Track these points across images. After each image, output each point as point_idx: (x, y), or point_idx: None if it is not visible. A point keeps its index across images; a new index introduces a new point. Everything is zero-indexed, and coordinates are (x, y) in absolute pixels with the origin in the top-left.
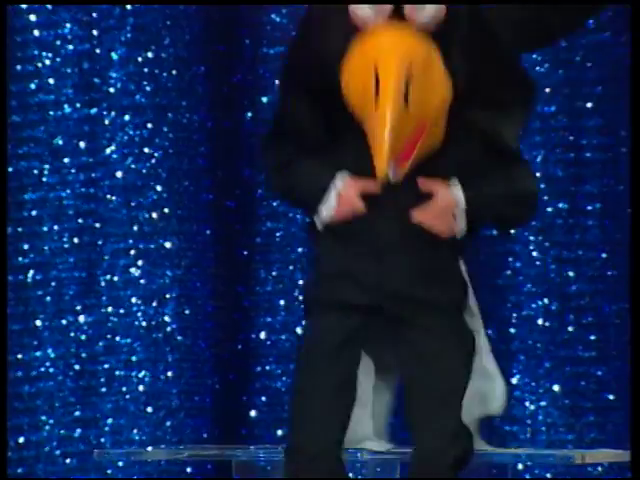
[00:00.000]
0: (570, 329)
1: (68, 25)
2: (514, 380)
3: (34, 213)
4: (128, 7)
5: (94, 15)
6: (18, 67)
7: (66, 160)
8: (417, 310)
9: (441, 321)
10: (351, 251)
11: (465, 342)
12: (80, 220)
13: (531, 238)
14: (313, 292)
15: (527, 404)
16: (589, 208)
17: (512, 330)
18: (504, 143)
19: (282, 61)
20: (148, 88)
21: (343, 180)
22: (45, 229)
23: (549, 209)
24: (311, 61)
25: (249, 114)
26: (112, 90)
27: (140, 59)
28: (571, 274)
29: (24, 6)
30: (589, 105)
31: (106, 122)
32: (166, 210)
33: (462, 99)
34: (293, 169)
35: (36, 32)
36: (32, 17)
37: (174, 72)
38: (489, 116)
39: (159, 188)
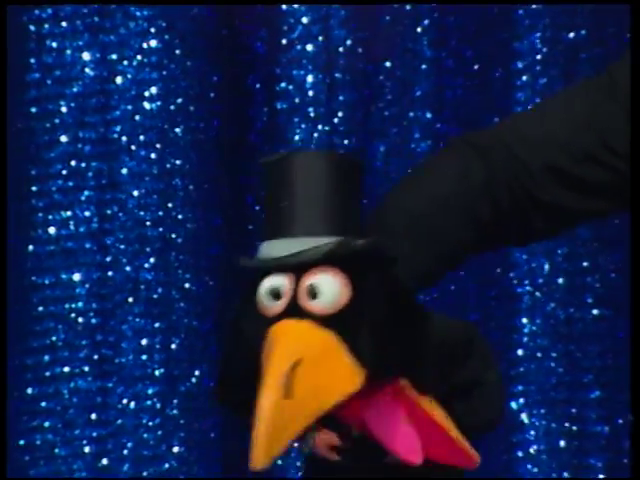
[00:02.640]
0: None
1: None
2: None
3: None
4: (141, 279)
5: (104, 292)
6: (34, 342)
7: (77, 432)
8: None
9: None
10: None
11: None
12: None
13: None
14: None
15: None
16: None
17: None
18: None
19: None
20: (158, 358)
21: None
22: None
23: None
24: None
25: None
26: (123, 361)
27: (151, 330)
28: None
29: (40, 280)
30: None
31: (118, 392)
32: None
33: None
34: None
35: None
36: (48, 292)
37: (186, 342)
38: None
39: (170, 457)
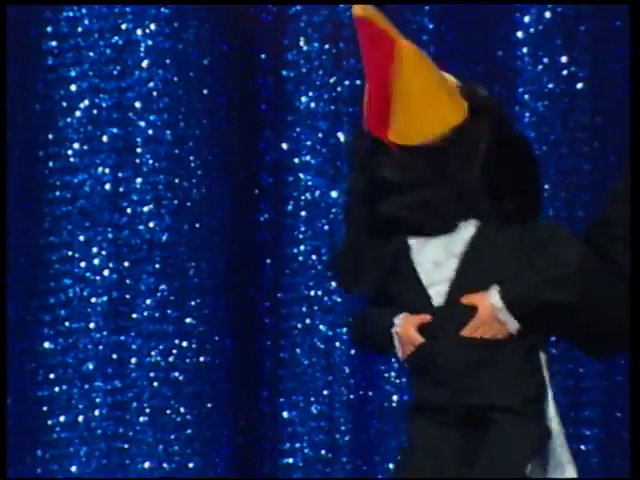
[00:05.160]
0: None
1: (103, 252)
2: None
3: (63, 435)
4: (155, 241)
5: (124, 250)
6: (52, 299)
7: (95, 384)
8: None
9: (511, 420)
10: (424, 383)
11: (530, 439)
12: (108, 442)
13: None
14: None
15: None
16: None
17: None
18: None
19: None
20: (173, 315)
21: (399, 321)
22: (72, 450)
23: None
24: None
25: (268, 341)
26: (139, 317)
27: (165, 288)
28: None
29: (57, 240)
30: None
31: (133, 347)
32: (189, 431)
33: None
34: (364, 318)
35: (68, 266)
36: (65, 251)
37: (198, 300)
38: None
39: (182, 410)
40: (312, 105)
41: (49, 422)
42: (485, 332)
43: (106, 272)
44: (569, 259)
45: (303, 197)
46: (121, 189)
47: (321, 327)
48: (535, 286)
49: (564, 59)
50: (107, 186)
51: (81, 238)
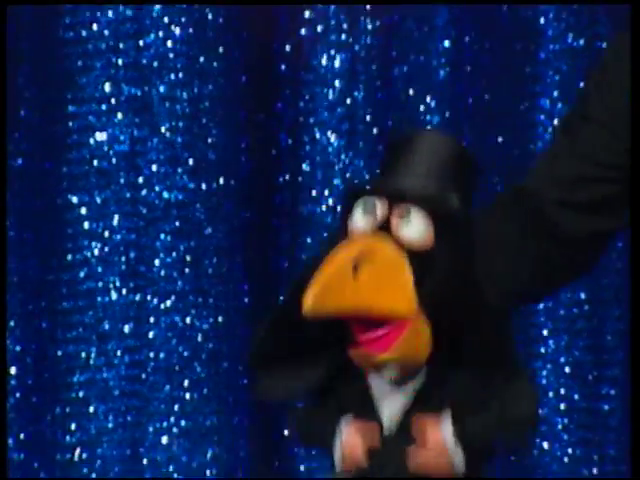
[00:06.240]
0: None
1: (116, 217)
2: None
3: (81, 394)
4: (172, 200)
5: (141, 209)
6: (69, 257)
7: (112, 343)
8: None
9: None
10: None
11: None
12: (125, 400)
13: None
14: None
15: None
16: None
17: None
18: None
19: None
20: (190, 274)
21: (347, 431)
22: (91, 410)
23: None
24: None
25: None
26: (156, 277)
27: (182, 247)
28: None
29: (75, 200)
30: None
31: (150, 306)
32: (205, 390)
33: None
34: (306, 414)
35: (86, 224)
36: (83, 210)
37: (215, 260)
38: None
39: (199, 369)
40: (329, 64)
41: (68, 380)
42: (428, 468)
43: (123, 232)
44: (527, 402)
45: (319, 157)
46: (138, 148)
47: None
48: (491, 427)
49: None
50: (124, 146)
51: (98, 199)
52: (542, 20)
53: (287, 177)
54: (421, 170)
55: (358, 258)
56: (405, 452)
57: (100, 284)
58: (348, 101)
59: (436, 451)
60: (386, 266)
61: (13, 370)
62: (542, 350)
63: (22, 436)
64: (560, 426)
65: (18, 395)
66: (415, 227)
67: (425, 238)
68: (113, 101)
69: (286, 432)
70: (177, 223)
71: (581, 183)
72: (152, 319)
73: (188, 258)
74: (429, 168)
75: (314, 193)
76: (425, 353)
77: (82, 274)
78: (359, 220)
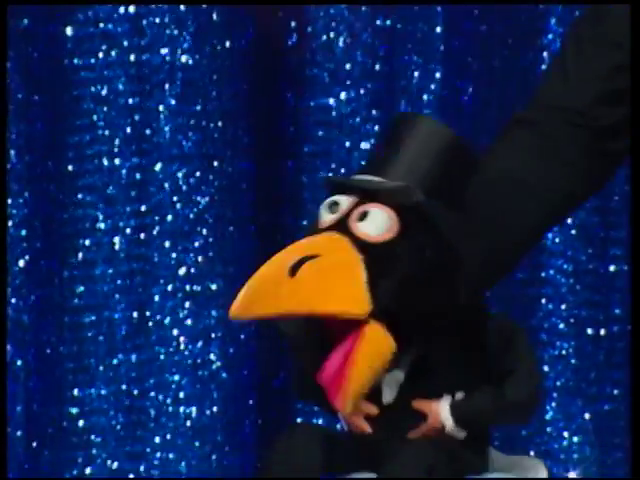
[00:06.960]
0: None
1: (125, 76)
2: (547, 417)
3: (88, 257)
4: (177, 63)
5: (146, 71)
6: (77, 122)
7: (118, 207)
8: None
9: None
10: None
11: None
12: (131, 264)
13: (562, 281)
14: None
15: (560, 440)
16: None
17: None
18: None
19: None
20: (195, 139)
21: None
22: (98, 272)
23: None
24: None
25: (290, 163)
26: (161, 141)
27: (187, 111)
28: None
29: (79, 62)
30: None
31: (156, 169)
32: (211, 254)
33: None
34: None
35: (92, 88)
36: (90, 75)
37: (220, 124)
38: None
39: (205, 233)
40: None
41: (75, 243)
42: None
43: (128, 97)
44: (523, 390)
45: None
46: (141, 11)
47: (347, 143)
48: (488, 411)
49: None
50: (130, 9)
51: (106, 72)
52: (544, 20)
53: (294, 39)
54: (404, 161)
55: (303, 257)
56: (407, 423)
57: (105, 148)
58: None
59: (434, 429)
60: (333, 265)
61: (23, 232)
62: None
63: (32, 298)
64: (566, 288)
65: (27, 258)
66: (374, 224)
67: (384, 235)
68: None
69: None
70: (181, 87)
71: (614, 71)
72: (157, 183)
73: (192, 122)
74: (413, 160)
75: (318, 56)
76: (386, 356)
77: (88, 137)
78: (323, 215)
